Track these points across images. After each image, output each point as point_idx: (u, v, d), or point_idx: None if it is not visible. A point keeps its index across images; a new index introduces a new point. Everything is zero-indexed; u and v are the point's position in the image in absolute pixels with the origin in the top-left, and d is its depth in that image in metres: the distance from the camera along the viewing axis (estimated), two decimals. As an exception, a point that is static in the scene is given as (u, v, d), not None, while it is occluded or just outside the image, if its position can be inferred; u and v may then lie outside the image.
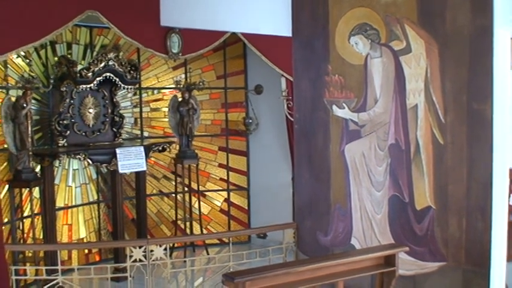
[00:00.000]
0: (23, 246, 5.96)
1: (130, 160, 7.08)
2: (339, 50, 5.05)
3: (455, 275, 4.31)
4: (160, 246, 5.13)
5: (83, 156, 6.85)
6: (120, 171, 7.00)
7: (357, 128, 4.92)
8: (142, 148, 7.25)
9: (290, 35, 5.53)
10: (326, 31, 5.11)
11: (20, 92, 6.46)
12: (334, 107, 5.06)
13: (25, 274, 5.51)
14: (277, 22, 6.14)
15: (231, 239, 5.91)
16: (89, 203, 7.92)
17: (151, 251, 5.09)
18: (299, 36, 5.45)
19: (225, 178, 8.94)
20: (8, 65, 6.73)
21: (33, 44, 5.42)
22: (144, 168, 7.31)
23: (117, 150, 6.98)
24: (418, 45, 4.46)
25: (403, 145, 4.65)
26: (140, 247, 5.06)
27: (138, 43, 6.51)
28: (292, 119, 6.26)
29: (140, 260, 5.05)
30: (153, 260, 5.08)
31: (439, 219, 4.38)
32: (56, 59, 7.33)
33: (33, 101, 7.11)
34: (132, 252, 5.02)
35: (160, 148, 7.74)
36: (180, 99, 8.10)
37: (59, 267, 4.96)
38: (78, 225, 7.78)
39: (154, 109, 8.52)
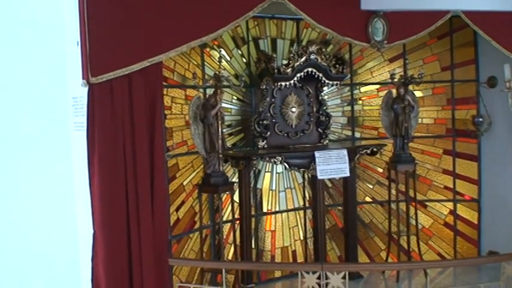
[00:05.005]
0: (186, 262, 5.57)
1: (331, 165, 6.31)
2: None
3: None
4: (337, 273, 4.27)
5: (279, 160, 6.25)
6: (319, 177, 6.27)
7: None
8: (345, 151, 6.41)
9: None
10: None
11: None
12: None
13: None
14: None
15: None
16: (294, 209, 7.34)
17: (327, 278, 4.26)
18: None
19: (451, 187, 7.62)
20: (206, 63, 6.46)
21: (208, 37, 4.92)
22: (347, 174, 6.45)
23: (316, 154, 6.26)
24: None
25: None
26: (314, 273, 4.26)
27: (332, 31, 5.66)
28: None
29: (314, 288, 4.26)
30: (329, 290, 4.25)
31: None
32: (258, 55, 6.92)
33: (234, 100, 6.83)
34: (304, 277, 4.25)
35: (368, 151, 6.82)
36: (395, 96, 7.07)
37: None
38: (282, 232, 7.27)
39: (368, 107, 7.60)
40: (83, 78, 4.31)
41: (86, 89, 4.38)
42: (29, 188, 5.06)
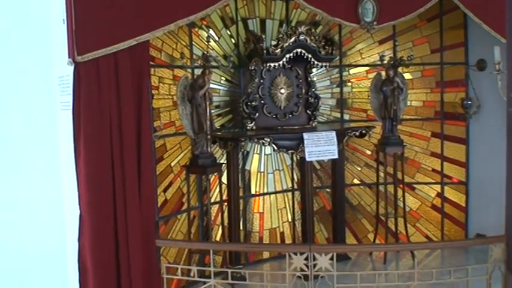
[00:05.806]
0: (174, 243, 5.55)
1: (319, 147, 6.27)
2: None
3: None
4: (325, 254, 4.26)
5: (268, 141, 6.20)
6: (307, 159, 6.24)
7: None
8: (334, 133, 6.38)
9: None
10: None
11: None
12: None
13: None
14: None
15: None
16: (283, 191, 7.33)
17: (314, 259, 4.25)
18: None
19: (439, 169, 7.64)
20: (194, 43, 6.38)
21: (196, 16, 4.86)
22: (336, 156, 6.43)
23: (305, 136, 6.22)
24: None
25: None
26: (302, 254, 4.25)
27: (321, 11, 5.62)
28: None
29: (302, 270, 4.25)
30: (316, 271, 4.24)
31: None
32: (247, 36, 6.85)
33: (222, 81, 6.77)
34: (291, 259, 4.24)
35: (357, 133, 6.80)
36: (384, 78, 7.04)
37: (212, 268, 4.39)
38: (270, 213, 7.26)
39: (357, 89, 7.57)
40: (69, 57, 4.23)
41: (72, 68, 4.31)
42: (14, 167, 5.00)
